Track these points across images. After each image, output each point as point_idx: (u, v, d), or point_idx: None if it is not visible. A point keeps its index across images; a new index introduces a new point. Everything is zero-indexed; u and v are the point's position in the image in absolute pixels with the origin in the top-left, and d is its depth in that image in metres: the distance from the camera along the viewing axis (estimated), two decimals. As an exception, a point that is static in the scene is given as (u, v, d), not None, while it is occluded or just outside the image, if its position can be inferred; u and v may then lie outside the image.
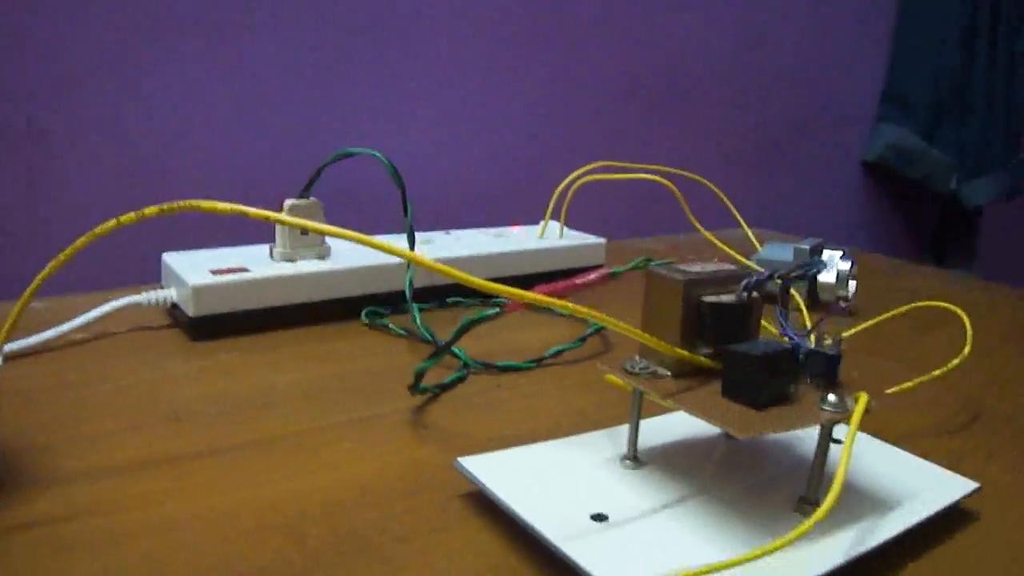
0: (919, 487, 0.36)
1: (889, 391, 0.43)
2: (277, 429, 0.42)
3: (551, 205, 0.73)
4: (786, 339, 0.35)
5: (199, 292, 0.53)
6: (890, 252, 1.38)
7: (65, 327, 0.52)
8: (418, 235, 0.69)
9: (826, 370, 0.34)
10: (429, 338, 0.54)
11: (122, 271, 0.69)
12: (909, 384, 0.45)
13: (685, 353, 0.34)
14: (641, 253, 0.89)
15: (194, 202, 0.28)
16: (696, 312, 0.34)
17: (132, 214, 0.29)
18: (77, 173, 0.66)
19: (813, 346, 0.34)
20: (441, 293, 0.64)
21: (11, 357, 0.50)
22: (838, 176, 1.26)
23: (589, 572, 0.29)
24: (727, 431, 0.30)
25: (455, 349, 0.51)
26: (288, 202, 0.58)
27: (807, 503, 0.33)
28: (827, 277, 0.67)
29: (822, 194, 1.25)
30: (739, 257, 0.73)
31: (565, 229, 0.75)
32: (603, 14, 0.91)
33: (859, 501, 0.35)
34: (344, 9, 0.74)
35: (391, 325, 0.58)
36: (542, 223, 0.74)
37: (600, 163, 0.73)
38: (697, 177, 0.78)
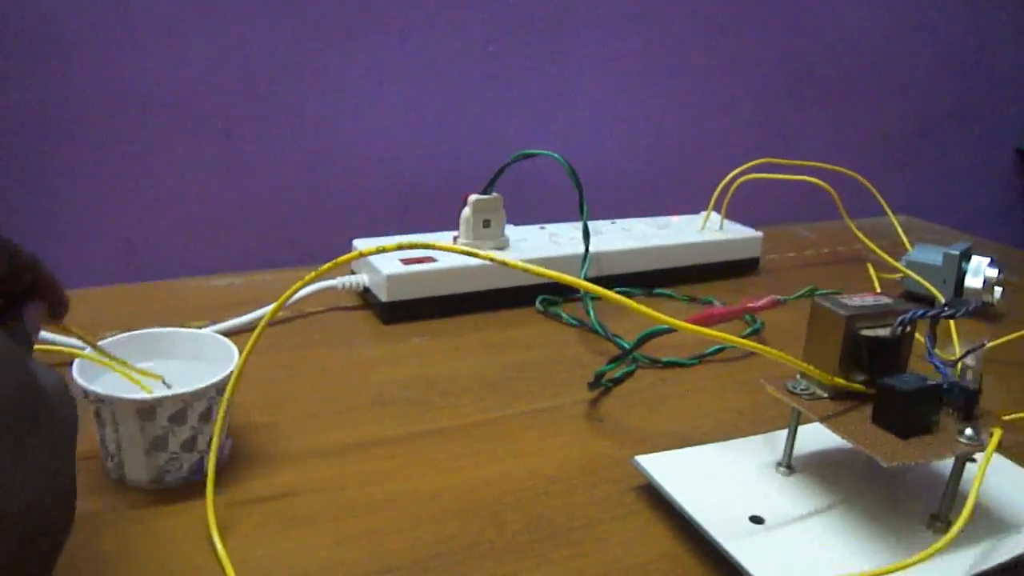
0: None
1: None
2: (468, 416, 0.47)
3: (713, 198, 0.75)
4: (933, 367, 0.37)
5: (392, 280, 0.58)
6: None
7: (268, 308, 0.58)
8: (589, 224, 0.73)
9: (965, 402, 0.36)
10: (601, 331, 0.58)
11: (311, 251, 0.76)
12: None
13: (842, 381, 0.37)
14: (795, 242, 0.90)
15: (429, 242, 0.32)
16: (854, 343, 0.37)
17: (375, 247, 0.34)
18: (269, 162, 0.72)
19: (955, 379, 0.37)
20: (609, 283, 0.68)
21: (224, 335, 0.56)
22: (991, 164, 1.21)
23: (749, 571, 0.33)
24: (874, 458, 0.33)
25: (625, 343, 0.55)
26: (472, 197, 0.62)
27: (938, 521, 0.36)
28: (973, 282, 0.68)
29: (975, 182, 1.21)
30: (891, 260, 0.73)
31: (725, 221, 0.77)
32: (762, 5, 0.91)
33: (986, 519, 0.37)
34: (516, 10, 0.78)
35: (564, 314, 0.62)
36: (703, 214, 0.76)
37: (761, 160, 0.75)
38: (853, 174, 0.78)
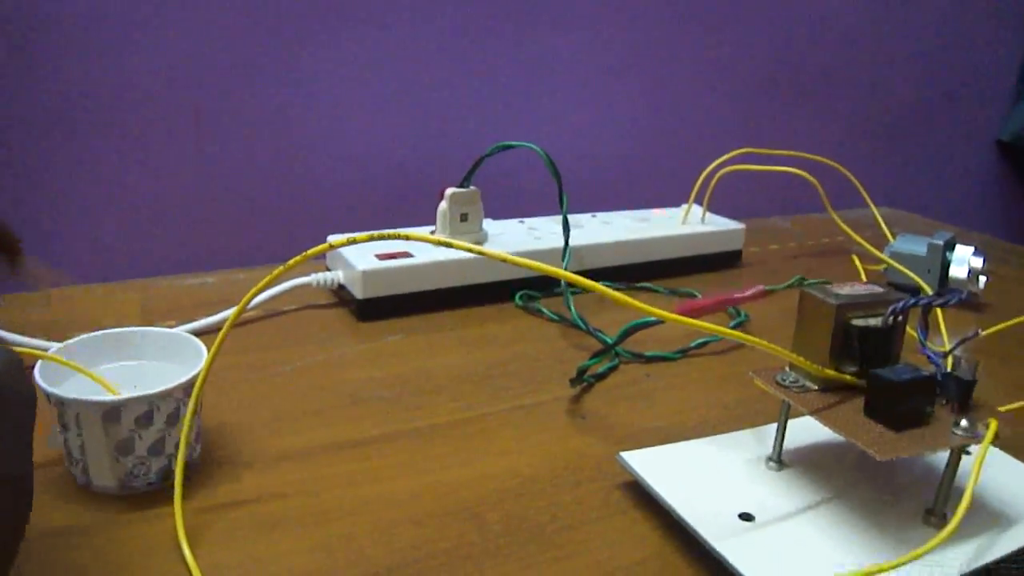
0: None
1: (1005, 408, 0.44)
2: (447, 415, 0.46)
3: (694, 190, 0.74)
4: (925, 358, 0.36)
5: (367, 276, 0.57)
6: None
7: (238, 307, 0.56)
8: (569, 218, 0.72)
9: (960, 393, 0.35)
10: (583, 326, 0.57)
11: (287, 249, 0.74)
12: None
13: (833, 373, 0.36)
14: (777, 234, 0.89)
15: (403, 233, 0.31)
16: (845, 333, 0.36)
17: (345, 239, 0.32)
18: (242, 157, 0.70)
19: (950, 370, 0.35)
20: (590, 278, 0.66)
21: (196, 335, 0.55)
22: (973, 156, 1.21)
23: (739, 571, 0.31)
24: (867, 452, 0.32)
25: (607, 338, 0.54)
26: (449, 191, 0.61)
27: (933, 515, 0.35)
28: (958, 272, 0.67)
29: (956, 174, 1.20)
30: (874, 251, 0.73)
31: (707, 214, 0.76)
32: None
33: (982, 513, 0.36)
34: (495, 2, 0.76)
35: (544, 309, 0.61)
36: (684, 207, 0.75)
37: (742, 151, 0.74)
38: (835, 164, 0.78)
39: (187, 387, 0.37)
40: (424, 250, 0.60)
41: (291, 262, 0.35)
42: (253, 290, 0.36)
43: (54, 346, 0.40)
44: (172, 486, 0.37)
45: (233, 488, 0.39)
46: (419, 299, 0.59)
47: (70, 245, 0.68)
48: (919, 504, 0.36)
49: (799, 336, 0.38)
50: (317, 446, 0.42)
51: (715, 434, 0.43)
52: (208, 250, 0.72)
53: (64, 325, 0.55)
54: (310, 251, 0.34)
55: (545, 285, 0.64)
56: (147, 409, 0.36)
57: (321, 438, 0.43)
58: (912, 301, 0.36)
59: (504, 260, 0.33)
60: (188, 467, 0.39)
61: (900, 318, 0.36)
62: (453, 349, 0.55)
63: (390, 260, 0.58)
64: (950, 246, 0.69)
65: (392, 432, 0.44)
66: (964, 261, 0.68)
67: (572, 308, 0.58)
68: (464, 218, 0.62)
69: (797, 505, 0.37)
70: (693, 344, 0.56)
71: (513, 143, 0.59)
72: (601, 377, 0.51)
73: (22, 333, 0.51)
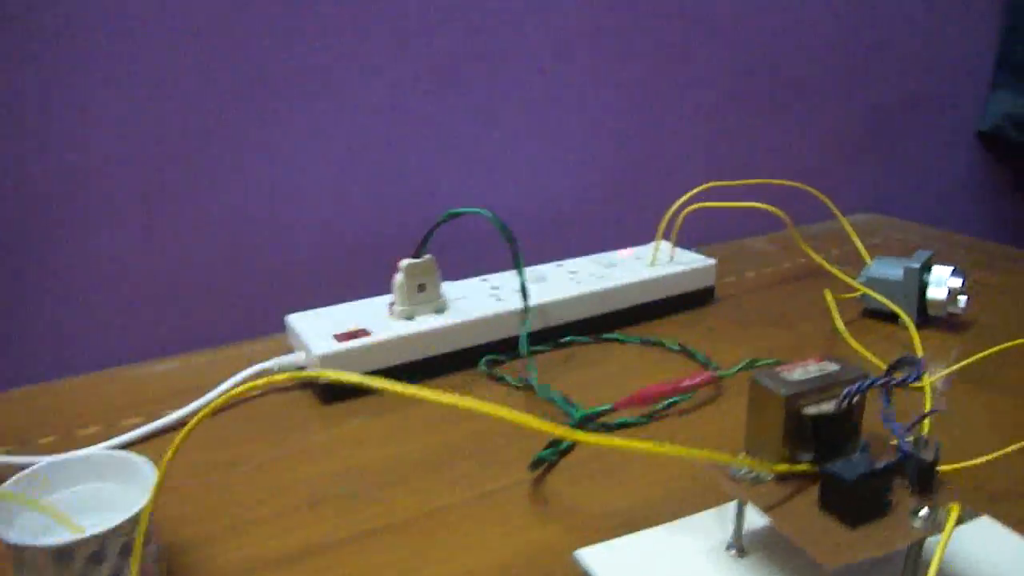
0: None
1: (983, 458, 0.42)
2: (405, 511, 0.45)
3: (660, 228, 0.73)
4: (890, 430, 0.35)
5: (326, 361, 0.56)
6: (1016, 231, 1.31)
7: (202, 401, 0.56)
8: (531, 270, 0.71)
9: (920, 477, 0.34)
10: (543, 397, 0.56)
11: (248, 325, 0.73)
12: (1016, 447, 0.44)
13: (785, 468, 0.35)
14: (752, 258, 0.88)
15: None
16: (798, 422, 0.35)
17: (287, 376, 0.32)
18: (191, 235, 0.70)
19: (912, 449, 0.34)
20: (556, 334, 0.66)
21: (156, 434, 0.54)
22: (953, 150, 1.20)
23: None
24: (814, 559, 0.31)
25: (573, 410, 0.53)
26: (404, 262, 0.60)
27: None
28: (937, 293, 0.66)
29: (938, 170, 1.19)
30: (848, 280, 0.72)
31: (676, 250, 0.75)
32: (696, 16, 0.88)
33: None
34: (441, 57, 0.75)
35: (507, 377, 0.60)
36: (652, 245, 0.74)
37: (707, 186, 0.73)
38: (804, 187, 0.77)
39: (137, 519, 0.37)
40: (383, 325, 0.59)
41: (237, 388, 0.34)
42: (201, 414, 0.36)
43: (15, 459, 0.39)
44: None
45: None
46: (383, 374, 0.58)
47: (26, 340, 0.67)
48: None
49: (751, 424, 0.37)
50: (277, 556, 0.42)
51: (681, 511, 0.42)
52: (168, 333, 0.71)
53: (25, 431, 0.54)
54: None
55: (511, 347, 0.63)
56: (97, 549, 0.36)
57: (281, 546, 0.42)
58: (866, 384, 0.35)
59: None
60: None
61: (856, 400, 0.35)
62: (415, 431, 0.54)
63: (349, 341, 0.57)
64: (927, 267, 0.67)
65: (348, 536, 0.43)
66: (942, 283, 0.67)
67: (535, 381, 0.57)
68: (422, 288, 0.61)
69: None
70: (660, 406, 0.54)
71: (462, 210, 0.58)
72: (565, 452, 0.50)
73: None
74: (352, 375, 0.31)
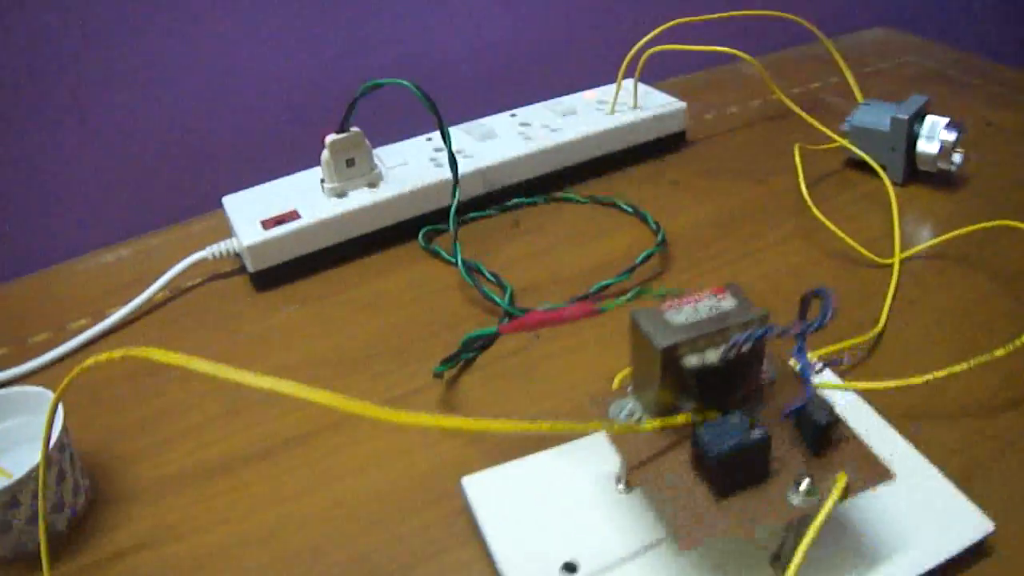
0: (924, 524, 0.35)
1: (924, 378, 0.40)
2: (318, 419, 0.45)
3: (622, 69, 0.67)
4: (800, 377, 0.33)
5: (254, 250, 0.55)
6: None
7: (144, 296, 0.56)
8: (481, 122, 0.67)
9: (814, 440, 0.32)
10: (470, 281, 0.54)
11: (187, 207, 0.71)
12: (959, 368, 0.41)
13: (659, 423, 0.33)
14: (731, 92, 0.80)
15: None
16: (677, 374, 0.32)
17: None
18: (124, 128, 0.68)
19: (805, 403, 0.32)
20: (505, 196, 0.63)
21: (104, 335, 0.54)
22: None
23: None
24: (671, 538, 0.30)
25: (498, 299, 0.52)
26: (330, 138, 0.57)
27: (779, 559, 0.33)
28: (928, 147, 0.60)
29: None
30: (828, 131, 0.65)
31: (641, 89, 0.69)
32: None
33: (851, 541, 0.34)
34: None
35: (442, 251, 0.58)
36: (615, 87, 0.68)
37: (673, 23, 0.65)
38: (786, 15, 0.69)
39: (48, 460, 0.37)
40: (313, 205, 0.58)
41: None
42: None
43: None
44: (74, 541, 0.39)
45: (122, 535, 0.40)
46: (317, 258, 0.57)
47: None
48: (776, 542, 0.33)
49: (634, 362, 0.34)
50: (191, 474, 0.43)
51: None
52: (116, 222, 0.69)
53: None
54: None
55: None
56: (9, 497, 0.37)
57: (204, 456, 0.44)
58: (757, 334, 0.31)
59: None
60: (72, 519, 0.40)
61: (744, 350, 0.31)
62: (342, 320, 0.53)
63: (277, 226, 0.56)
64: (920, 116, 0.61)
65: (261, 449, 0.44)
66: (934, 135, 0.60)
67: (460, 263, 0.55)
68: (351, 163, 0.58)
69: (635, 544, 0.35)
70: (592, 290, 0.53)
71: (383, 80, 0.54)
72: (486, 345, 0.50)
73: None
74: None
